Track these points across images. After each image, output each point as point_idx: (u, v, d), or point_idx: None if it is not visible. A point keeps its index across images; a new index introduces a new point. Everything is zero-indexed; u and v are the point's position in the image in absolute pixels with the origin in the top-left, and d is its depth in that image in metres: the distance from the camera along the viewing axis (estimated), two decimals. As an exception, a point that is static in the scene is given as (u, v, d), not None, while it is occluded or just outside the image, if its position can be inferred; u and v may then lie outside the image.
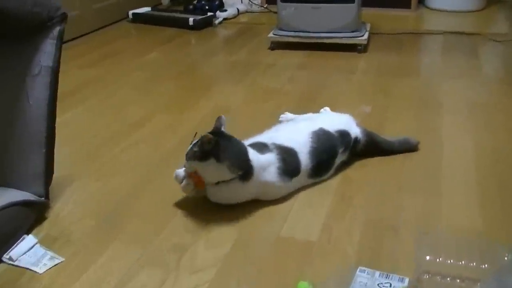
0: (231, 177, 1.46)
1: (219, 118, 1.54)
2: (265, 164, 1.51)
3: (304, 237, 1.41)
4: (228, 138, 1.50)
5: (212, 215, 1.51)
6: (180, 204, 1.58)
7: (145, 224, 1.50)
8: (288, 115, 2.00)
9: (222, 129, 1.53)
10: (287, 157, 1.55)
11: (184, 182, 1.53)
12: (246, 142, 1.61)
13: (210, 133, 1.47)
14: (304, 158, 1.58)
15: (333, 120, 1.76)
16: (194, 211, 1.54)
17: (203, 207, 1.55)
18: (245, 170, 1.47)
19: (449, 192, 1.59)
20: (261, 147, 1.55)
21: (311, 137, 1.62)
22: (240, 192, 1.50)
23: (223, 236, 1.43)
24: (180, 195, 1.61)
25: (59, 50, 1.50)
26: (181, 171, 1.55)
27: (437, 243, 1.36)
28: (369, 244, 1.38)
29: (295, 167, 1.57)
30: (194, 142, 1.49)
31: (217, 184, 1.49)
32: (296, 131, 1.68)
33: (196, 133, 1.53)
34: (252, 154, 1.49)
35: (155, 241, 1.42)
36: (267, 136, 1.64)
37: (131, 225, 1.50)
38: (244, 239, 1.41)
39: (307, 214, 1.52)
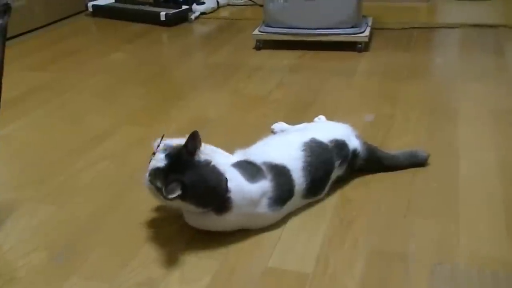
0: (200, 211, 1.48)
1: (194, 137, 1.48)
2: (258, 195, 1.51)
3: (296, 268, 1.42)
4: (198, 169, 1.47)
5: (188, 243, 1.52)
6: (150, 231, 1.58)
7: (109, 256, 1.50)
8: (282, 124, 2.02)
9: (198, 152, 1.49)
10: (281, 179, 1.56)
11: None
12: (236, 156, 1.64)
13: (174, 161, 1.46)
14: (298, 176, 1.59)
15: (328, 130, 1.78)
16: (167, 239, 1.54)
17: (178, 234, 1.56)
18: (219, 204, 1.48)
19: (468, 215, 1.61)
20: (254, 172, 1.55)
21: (304, 150, 1.64)
22: (216, 223, 1.52)
23: (201, 268, 1.43)
24: (150, 220, 1.62)
25: (1, 49, 1.50)
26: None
27: (455, 276, 1.37)
28: (373, 277, 1.39)
29: (289, 190, 1.58)
30: (160, 152, 1.48)
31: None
32: (287, 144, 1.69)
33: (163, 136, 1.53)
34: (237, 183, 1.49)
35: (120, 275, 1.41)
36: (257, 152, 1.65)
37: (92, 257, 1.49)
38: (225, 271, 1.42)
39: (300, 241, 1.53)
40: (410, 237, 1.52)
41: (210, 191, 1.47)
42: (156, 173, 1.45)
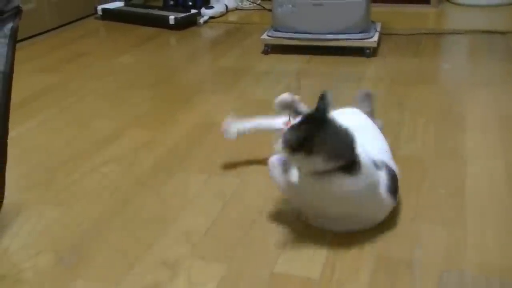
0: (327, 167, 1.44)
1: (323, 97, 1.46)
2: (378, 179, 1.51)
3: (302, 273, 1.41)
4: (329, 124, 1.45)
5: (194, 247, 1.52)
6: (156, 235, 1.58)
7: (115, 259, 1.49)
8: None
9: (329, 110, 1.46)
10: (391, 177, 1.57)
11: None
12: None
13: (307, 118, 1.45)
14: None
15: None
16: (174, 243, 1.54)
17: (184, 238, 1.55)
18: (347, 162, 1.44)
19: (476, 221, 1.60)
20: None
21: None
22: (343, 186, 1.48)
23: (207, 272, 1.43)
24: (156, 224, 1.61)
25: (12, 51, 1.50)
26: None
27: (463, 283, 1.36)
28: (380, 283, 1.38)
29: (396, 187, 1.59)
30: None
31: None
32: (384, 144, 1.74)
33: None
34: (365, 154, 1.48)
35: (126, 278, 1.41)
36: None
37: (98, 259, 1.49)
38: (231, 276, 1.41)
39: (306, 246, 1.52)
40: (417, 244, 1.52)
41: (340, 147, 1.44)
42: (290, 130, 1.44)
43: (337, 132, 1.45)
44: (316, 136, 1.41)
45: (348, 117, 1.82)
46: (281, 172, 1.56)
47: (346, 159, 1.44)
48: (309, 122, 1.44)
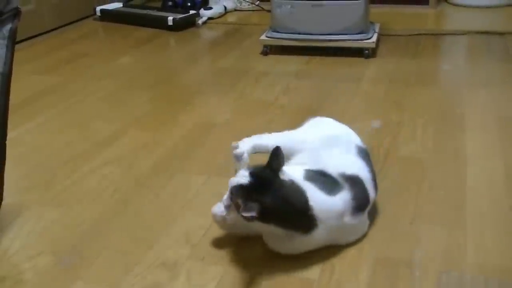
0: (284, 233, 1.42)
1: (277, 154, 1.42)
2: (341, 207, 1.46)
3: (302, 274, 1.41)
4: (281, 189, 1.40)
5: (193, 248, 1.52)
6: (156, 236, 1.58)
7: (114, 260, 1.49)
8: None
9: (281, 170, 1.42)
10: (357, 189, 1.51)
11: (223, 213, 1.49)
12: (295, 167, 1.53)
13: (258, 179, 1.39)
14: (369, 186, 1.56)
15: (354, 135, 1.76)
16: (173, 244, 1.54)
17: (183, 239, 1.55)
18: (303, 223, 1.43)
19: (475, 222, 1.60)
20: (330, 183, 1.48)
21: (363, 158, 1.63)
22: (304, 244, 1.47)
23: (206, 273, 1.43)
24: (156, 225, 1.61)
25: (11, 52, 1.50)
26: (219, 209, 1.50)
27: (462, 284, 1.36)
28: (379, 284, 1.38)
29: (365, 197, 1.53)
30: (243, 170, 1.43)
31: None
32: (348, 152, 1.64)
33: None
34: (318, 199, 1.43)
35: (126, 280, 1.41)
36: (320, 161, 1.56)
37: (97, 261, 1.49)
38: (231, 277, 1.41)
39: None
40: (417, 245, 1.51)
41: (293, 212, 1.41)
42: (239, 190, 1.39)
43: (292, 195, 1.41)
44: (271, 207, 1.36)
45: (318, 129, 1.82)
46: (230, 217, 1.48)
47: (302, 225, 1.42)
48: (263, 186, 1.38)
